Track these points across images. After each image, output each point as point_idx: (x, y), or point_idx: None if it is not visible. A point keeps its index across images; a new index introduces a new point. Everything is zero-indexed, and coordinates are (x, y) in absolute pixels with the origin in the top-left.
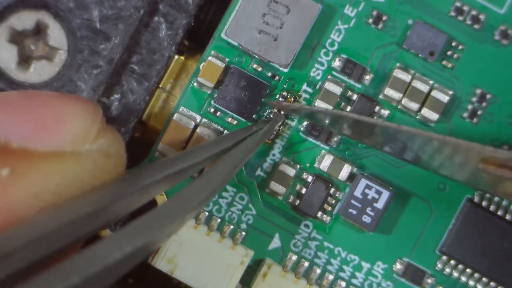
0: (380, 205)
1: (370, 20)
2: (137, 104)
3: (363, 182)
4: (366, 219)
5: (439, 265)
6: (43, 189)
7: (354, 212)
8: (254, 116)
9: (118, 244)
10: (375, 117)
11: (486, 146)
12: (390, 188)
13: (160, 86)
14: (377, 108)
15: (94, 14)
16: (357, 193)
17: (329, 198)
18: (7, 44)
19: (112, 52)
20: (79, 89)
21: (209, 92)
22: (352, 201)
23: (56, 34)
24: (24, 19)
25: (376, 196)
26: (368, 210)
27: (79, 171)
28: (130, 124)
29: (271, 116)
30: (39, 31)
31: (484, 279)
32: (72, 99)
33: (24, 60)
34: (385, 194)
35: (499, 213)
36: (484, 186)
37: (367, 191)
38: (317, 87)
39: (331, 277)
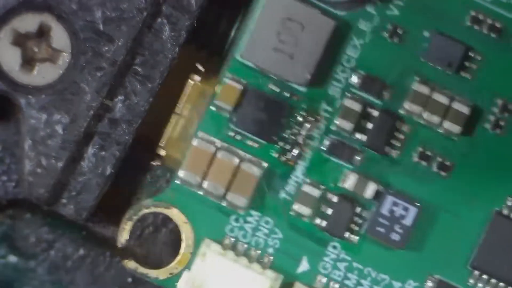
0: (408, 221)
1: (386, 34)
2: (140, 105)
3: (389, 199)
4: (395, 236)
5: (471, 281)
6: None
7: (382, 230)
8: (275, 137)
9: None
10: (395, 133)
11: None
12: (417, 204)
13: (178, 112)
14: (398, 124)
15: (97, 16)
16: (384, 210)
17: (356, 217)
18: (11, 46)
19: (115, 54)
20: (83, 91)
21: (227, 115)
22: (379, 219)
23: (59, 36)
24: (27, 22)
25: (404, 212)
26: (397, 227)
27: None
28: (133, 125)
29: (292, 136)
30: (42, 33)
31: None
32: None
33: (28, 62)
34: (412, 211)
35: None
36: None
37: (394, 208)
38: (337, 105)
39: None
